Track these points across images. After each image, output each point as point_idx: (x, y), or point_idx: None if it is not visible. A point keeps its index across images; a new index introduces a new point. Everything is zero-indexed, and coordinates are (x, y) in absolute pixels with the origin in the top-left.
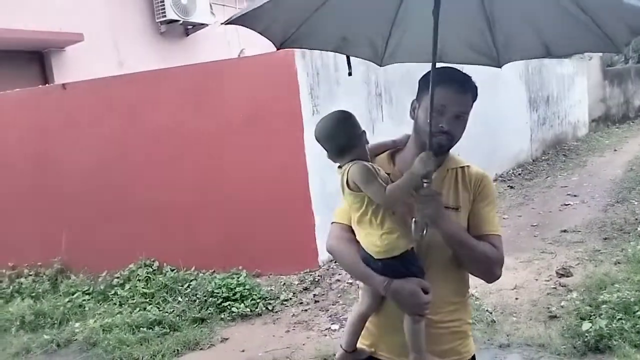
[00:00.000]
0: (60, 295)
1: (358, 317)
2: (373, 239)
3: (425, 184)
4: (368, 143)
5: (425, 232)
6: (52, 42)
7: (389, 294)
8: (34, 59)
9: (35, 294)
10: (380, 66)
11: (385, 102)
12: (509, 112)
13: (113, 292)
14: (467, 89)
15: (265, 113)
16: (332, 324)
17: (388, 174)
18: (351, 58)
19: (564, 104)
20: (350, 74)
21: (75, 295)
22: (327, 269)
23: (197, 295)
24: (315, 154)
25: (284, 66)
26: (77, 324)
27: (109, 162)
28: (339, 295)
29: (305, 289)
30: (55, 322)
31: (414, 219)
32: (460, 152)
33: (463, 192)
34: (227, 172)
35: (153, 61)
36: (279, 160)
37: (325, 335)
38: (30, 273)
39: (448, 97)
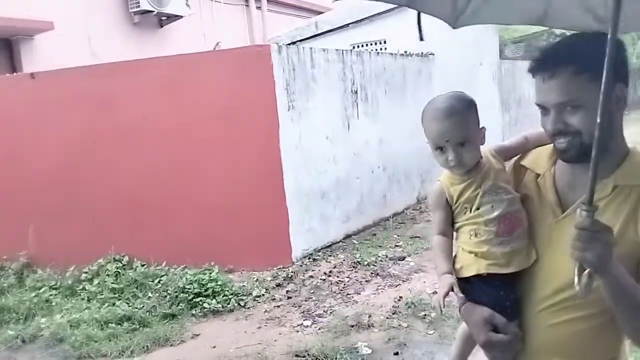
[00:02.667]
0: (26, 290)
1: (465, 334)
2: (458, 251)
3: (586, 213)
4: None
5: (586, 283)
6: (21, 30)
7: (461, 317)
8: (1, 46)
9: (0, 289)
10: (454, 28)
11: (361, 99)
12: (481, 113)
13: (81, 287)
14: (560, 65)
15: (240, 107)
16: (304, 320)
17: (538, 175)
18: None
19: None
20: (421, 38)
21: (41, 290)
22: (301, 266)
23: (168, 291)
24: (290, 150)
25: (260, 60)
26: (43, 320)
27: (79, 154)
28: (312, 291)
29: (278, 285)
30: (21, 317)
31: (577, 265)
32: (424, 154)
33: (632, 225)
34: (200, 166)
35: (126, 52)
36: (254, 155)
37: (298, 332)
38: None
39: (538, 89)
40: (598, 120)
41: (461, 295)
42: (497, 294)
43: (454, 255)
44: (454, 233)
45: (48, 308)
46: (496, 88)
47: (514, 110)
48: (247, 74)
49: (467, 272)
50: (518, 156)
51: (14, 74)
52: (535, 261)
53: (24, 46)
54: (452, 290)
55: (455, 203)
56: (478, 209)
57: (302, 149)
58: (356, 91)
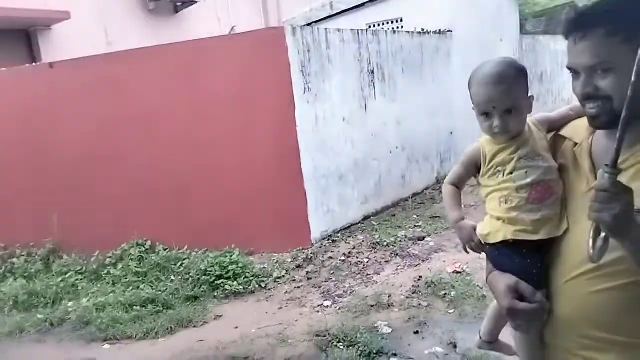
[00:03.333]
0: (53, 275)
1: (497, 310)
2: (485, 218)
3: (608, 174)
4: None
5: (601, 246)
6: (39, 21)
7: (488, 286)
8: (20, 37)
9: (28, 274)
10: None
11: (378, 79)
12: None
13: (106, 271)
14: (592, 26)
15: (256, 91)
16: (324, 300)
17: (576, 144)
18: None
19: (558, 81)
20: None
21: (68, 275)
22: (320, 247)
23: (190, 274)
24: (307, 133)
25: (275, 43)
26: (70, 303)
27: (99, 142)
28: (331, 272)
29: (298, 266)
30: (49, 301)
31: (592, 229)
32: (450, 132)
33: None
34: (218, 150)
35: (142, 39)
36: (271, 138)
37: (318, 312)
38: (23, 253)
39: (570, 51)
40: (633, 79)
41: (490, 265)
42: (524, 262)
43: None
44: (485, 200)
45: (74, 292)
46: None
47: (535, 87)
48: (263, 57)
49: (494, 239)
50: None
51: (33, 64)
52: (566, 230)
53: (42, 36)
54: (473, 238)
55: (489, 164)
56: (511, 173)
57: (319, 131)
58: (373, 71)
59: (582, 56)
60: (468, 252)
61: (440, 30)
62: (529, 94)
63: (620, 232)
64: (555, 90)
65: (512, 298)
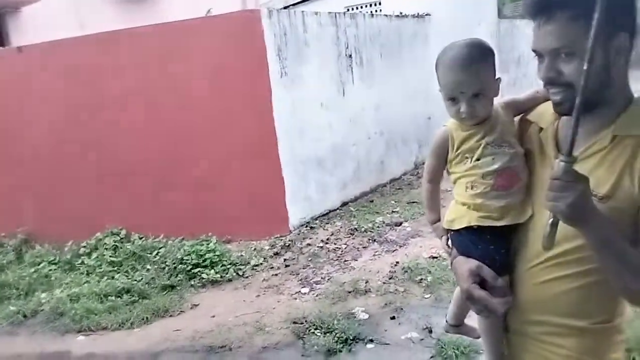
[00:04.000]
0: (26, 266)
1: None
2: (451, 203)
3: (563, 162)
4: (497, 94)
5: (548, 233)
6: (7, 3)
7: (452, 270)
8: None
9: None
10: None
11: (356, 63)
12: None
13: (80, 261)
14: (556, 8)
15: (232, 75)
16: (302, 287)
17: (542, 129)
18: (317, 16)
19: (534, 65)
20: None
21: (41, 266)
22: (298, 234)
23: (166, 263)
24: (284, 118)
25: (250, 26)
26: (43, 295)
27: (70, 128)
28: (309, 259)
29: (276, 253)
30: (21, 293)
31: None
32: (428, 117)
33: (627, 177)
34: (194, 136)
35: (115, 21)
36: (248, 124)
37: (296, 299)
38: None
39: (535, 34)
40: (585, 67)
41: (448, 248)
42: (487, 247)
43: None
44: (452, 185)
45: (48, 283)
46: (494, 48)
47: (512, 71)
48: (238, 40)
49: (459, 224)
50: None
51: (1, 48)
52: (531, 217)
53: (11, 19)
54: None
55: (457, 150)
56: (478, 160)
57: (297, 117)
58: (350, 55)
59: (546, 39)
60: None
61: (418, 14)
62: (496, 77)
63: (576, 221)
64: (531, 75)
65: (472, 282)
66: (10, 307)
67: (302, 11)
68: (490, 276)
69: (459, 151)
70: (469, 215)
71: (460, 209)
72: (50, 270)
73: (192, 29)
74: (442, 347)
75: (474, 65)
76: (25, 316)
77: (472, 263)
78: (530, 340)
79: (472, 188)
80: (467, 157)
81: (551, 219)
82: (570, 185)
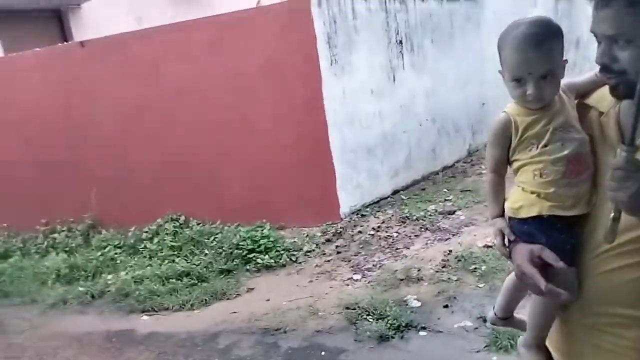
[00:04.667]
0: (93, 249)
1: (513, 283)
2: (514, 191)
3: (624, 152)
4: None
5: (610, 227)
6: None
7: (510, 258)
8: (52, 17)
9: (69, 249)
10: None
11: (407, 50)
12: None
13: (142, 245)
14: None
15: (283, 65)
16: (354, 273)
17: (602, 113)
18: (366, 2)
19: (594, 47)
20: None
21: (106, 249)
22: (349, 221)
23: (223, 248)
24: (334, 106)
25: (300, 14)
26: (109, 277)
27: (132, 119)
28: (360, 246)
29: (328, 240)
30: (89, 274)
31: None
32: (482, 104)
33: None
34: (247, 125)
35: (170, 15)
36: (298, 112)
37: (348, 285)
38: (63, 229)
39: (593, 17)
40: None
41: (513, 237)
42: (558, 237)
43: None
44: (515, 172)
45: (113, 266)
46: None
47: (571, 53)
48: (288, 29)
49: (528, 213)
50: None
51: (65, 43)
52: (594, 206)
53: (73, 15)
54: (504, 235)
55: (521, 137)
56: (546, 146)
57: (347, 105)
58: (401, 41)
59: (602, 24)
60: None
61: None
62: (563, 58)
63: (638, 211)
64: (592, 57)
65: (531, 263)
66: (79, 288)
67: None
68: (552, 258)
69: (523, 137)
70: (540, 204)
71: (529, 197)
72: (116, 253)
73: (244, 20)
74: (496, 337)
75: (545, 44)
76: (93, 296)
77: (535, 246)
78: (590, 331)
79: (541, 176)
80: (533, 143)
81: (612, 214)
82: (632, 176)
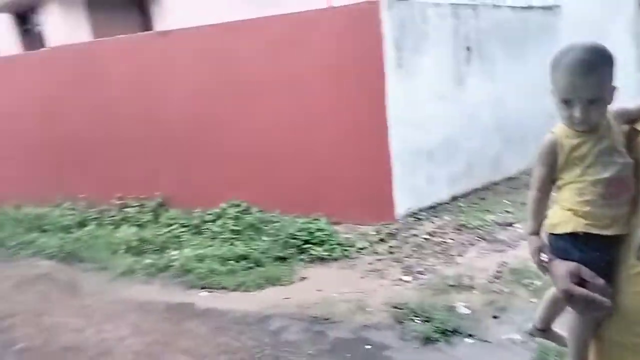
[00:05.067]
0: (161, 226)
1: (552, 297)
2: (554, 208)
3: None
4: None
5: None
6: None
7: (548, 273)
8: (134, 6)
9: (139, 223)
10: None
11: (476, 56)
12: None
13: (206, 227)
14: None
15: (350, 64)
16: (404, 275)
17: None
18: (437, 7)
19: None
20: None
21: (173, 227)
22: (404, 223)
23: (280, 236)
24: (397, 108)
25: (370, 17)
26: (174, 252)
27: (205, 107)
28: (413, 249)
29: (381, 240)
30: (156, 249)
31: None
32: (551, 116)
33: None
34: (311, 120)
35: (245, 10)
36: (361, 111)
37: (398, 285)
38: (135, 204)
39: None
40: None
41: (549, 255)
42: (593, 254)
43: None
44: (558, 190)
45: (178, 243)
46: (632, 43)
47: None
48: (357, 30)
49: (563, 229)
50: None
51: (147, 32)
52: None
53: (155, 5)
54: (540, 252)
55: (567, 158)
56: (589, 167)
57: (410, 107)
58: (470, 48)
59: None
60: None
61: (547, 5)
62: (613, 85)
63: None
64: None
65: (571, 282)
66: (146, 260)
67: (423, 2)
68: (589, 275)
69: (569, 158)
70: (576, 221)
71: (565, 214)
72: (181, 232)
73: (315, 19)
74: (544, 353)
75: (595, 71)
76: (158, 270)
77: (571, 264)
78: (627, 352)
79: (580, 195)
80: (576, 164)
81: None
82: None
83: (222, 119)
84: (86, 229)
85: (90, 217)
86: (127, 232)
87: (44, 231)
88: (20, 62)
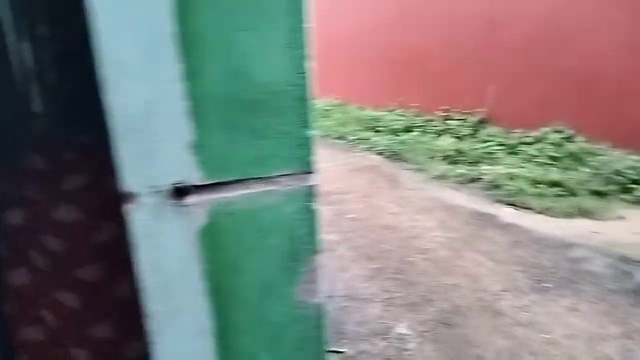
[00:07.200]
0: (478, 141)
1: None
2: None
3: None
4: None
5: None
6: None
7: None
8: None
9: (459, 136)
10: None
11: None
12: None
13: (522, 148)
14: None
15: None
16: None
17: None
18: None
19: None
20: None
21: (489, 144)
22: None
23: (603, 170)
24: None
25: None
26: (486, 167)
27: (549, 25)
28: None
29: None
30: (470, 161)
31: None
32: None
33: None
34: None
35: None
36: None
37: None
38: (458, 118)
39: None
40: None
41: None
42: None
43: None
44: None
45: (491, 159)
46: None
47: None
48: None
49: None
50: None
51: None
52: None
53: None
54: None
55: None
56: None
57: None
58: None
59: None
60: None
61: None
62: None
63: None
64: None
65: None
66: (459, 170)
67: None
68: None
69: None
70: None
71: None
72: (497, 149)
73: None
74: None
75: None
76: (468, 180)
77: None
78: None
79: None
80: None
81: None
82: None
83: (564, 38)
84: (411, 134)
85: (416, 125)
86: (446, 142)
87: (377, 131)
88: None
